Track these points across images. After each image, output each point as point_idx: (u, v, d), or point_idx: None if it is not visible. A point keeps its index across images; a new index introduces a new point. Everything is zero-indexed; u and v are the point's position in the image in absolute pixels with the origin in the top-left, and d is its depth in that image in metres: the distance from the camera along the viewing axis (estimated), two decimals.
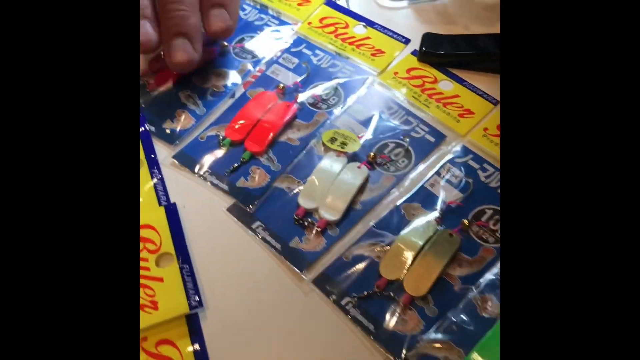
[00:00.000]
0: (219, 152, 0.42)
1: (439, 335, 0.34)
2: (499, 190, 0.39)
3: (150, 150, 0.41)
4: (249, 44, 0.48)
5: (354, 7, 0.51)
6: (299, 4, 0.50)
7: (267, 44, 0.48)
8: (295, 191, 0.40)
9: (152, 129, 0.43)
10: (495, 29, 0.49)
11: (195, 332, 0.34)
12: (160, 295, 0.35)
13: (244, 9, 0.50)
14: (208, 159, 0.41)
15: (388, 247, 0.37)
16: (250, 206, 0.39)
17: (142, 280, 0.35)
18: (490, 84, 0.45)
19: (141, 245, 0.37)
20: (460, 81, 0.45)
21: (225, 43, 0.47)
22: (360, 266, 0.36)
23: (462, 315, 0.34)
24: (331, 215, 0.38)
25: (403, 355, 0.33)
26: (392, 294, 0.35)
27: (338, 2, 0.51)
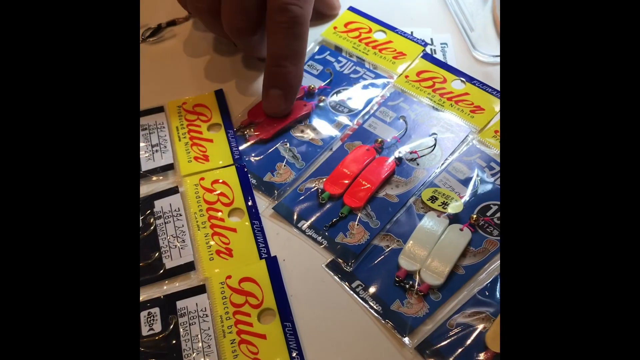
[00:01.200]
0: (318, 206, 0.42)
1: None
2: None
3: (252, 201, 0.42)
4: (345, 97, 0.48)
5: (450, 61, 0.51)
6: (394, 57, 0.51)
7: (363, 97, 0.48)
8: (391, 248, 0.39)
9: (254, 181, 0.43)
10: None
11: None
12: (264, 353, 0.34)
13: (340, 62, 0.51)
14: (307, 212, 0.42)
15: (493, 318, 0.36)
16: (350, 263, 0.39)
17: (245, 337, 0.35)
18: None
19: (243, 299, 0.37)
20: None
21: (323, 97, 0.48)
22: (465, 335, 0.35)
23: None
24: (434, 280, 0.37)
25: None
26: None
27: (435, 56, 0.51)
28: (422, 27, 0.53)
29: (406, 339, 0.35)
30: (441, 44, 0.52)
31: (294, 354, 0.34)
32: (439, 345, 0.35)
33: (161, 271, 0.39)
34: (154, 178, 0.44)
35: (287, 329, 0.35)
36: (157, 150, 0.45)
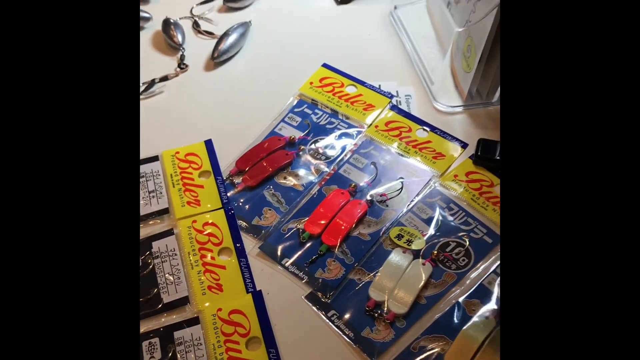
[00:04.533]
0: (299, 244, 0.47)
1: None
2: None
3: (239, 242, 0.47)
4: (322, 145, 0.54)
5: (414, 111, 0.57)
6: (364, 109, 0.57)
7: (338, 145, 0.54)
8: (363, 281, 0.45)
9: (243, 225, 0.49)
10: None
11: None
12: None
13: (316, 114, 0.57)
14: (289, 250, 0.47)
15: (451, 340, 0.41)
16: (328, 296, 0.44)
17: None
18: None
19: (232, 329, 0.42)
20: None
21: (302, 146, 0.54)
22: (427, 357, 0.41)
23: None
24: (399, 309, 0.43)
25: None
26: None
27: (400, 107, 0.57)
28: (389, 81, 0.60)
29: None
30: (406, 95, 0.58)
31: None
32: None
33: (160, 305, 0.44)
34: (151, 222, 0.49)
35: (272, 355, 0.41)
36: (153, 196, 0.50)
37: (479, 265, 0.45)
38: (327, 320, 0.43)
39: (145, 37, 0.66)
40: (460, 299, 0.43)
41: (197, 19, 0.67)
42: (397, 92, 0.59)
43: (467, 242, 0.47)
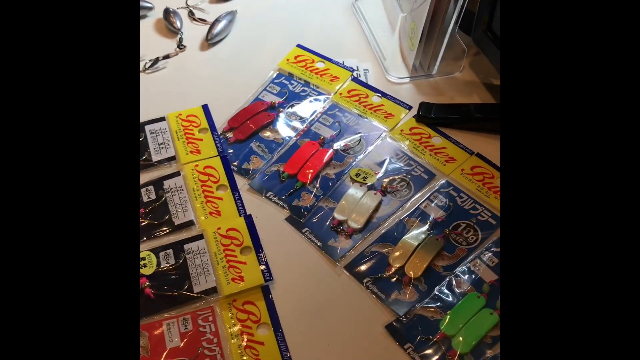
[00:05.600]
0: (280, 182, 0.61)
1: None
2: (471, 211, 0.57)
3: (232, 180, 0.60)
4: (297, 109, 0.68)
5: (371, 82, 0.71)
6: (331, 80, 0.71)
7: (310, 109, 0.68)
8: (329, 207, 0.58)
9: (235, 168, 0.62)
10: (473, 99, 0.68)
11: (268, 298, 0.52)
12: (246, 271, 0.53)
13: (292, 84, 0.70)
14: (272, 186, 0.60)
15: (394, 246, 0.55)
16: (302, 218, 0.58)
17: (231, 262, 0.53)
18: (468, 139, 0.64)
19: (229, 241, 0.55)
20: (447, 137, 0.64)
21: (281, 109, 0.67)
22: (376, 258, 0.54)
23: (443, 289, 0.52)
24: (356, 225, 0.57)
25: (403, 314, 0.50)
26: (397, 277, 0.53)
27: (360, 78, 0.71)
28: (350, 58, 0.73)
29: (337, 262, 0.54)
30: (364, 69, 0.72)
31: (264, 270, 0.53)
32: (359, 264, 0.54)
33: (172, 227, 0.57)
34: (162, 166, 0.62)
35: (260, 255, 0.54)
36: (162, 147, 0.63)
37: (417, 194, 0.59)
38: (302, 235, 0.57)
39: (149, 23, 0.78)
40: (402, 217, 0.57)
41: (191, 9, 0.80)
42: (357, 67, 0.72)
43: (409, 178, 0.61)
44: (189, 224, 0.57)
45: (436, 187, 0.60)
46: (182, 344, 0.49)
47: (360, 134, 0.65)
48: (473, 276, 0.53)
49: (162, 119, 0.66)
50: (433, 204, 0.58)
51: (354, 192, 0.59)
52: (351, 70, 0.71)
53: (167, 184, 0.60)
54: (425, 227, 0.56)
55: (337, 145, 0.64)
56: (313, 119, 0.67)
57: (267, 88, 0.70)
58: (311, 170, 0.61)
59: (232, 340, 0.49)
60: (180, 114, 0.67)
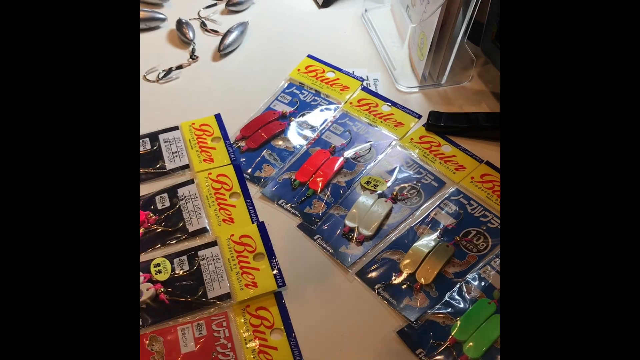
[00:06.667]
0: (291, 190, 0.62)
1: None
2: (481, 218, 0.58)
3: (245, 188, 0.61)
4: (308, 118, 0.69)
5: (381, 91, 0.72)
6: (341, 90, 0.72)
7: (320, 117, 0.69)
8: (340, 214, 0.59)
9: (247, 176, 0.63)
10: (482, 107, 0.69)
11: (281, 304, 0.52)
12: (259, 277, 0.54)
13: (303, 94, 0.71)
14: (283, 194, 0.61)
15: (405, 253, 0.56)
16: (313, 225, 0.59)
17: (244, 268, 0.54)
18: (478, 148, 0.65)
19: (242, 247, 0.56)
20: (456, 145, 0.65)
21: (292, 118, 0.68)
22: (387, 265, 0.55)
23: (454, 295, 0.52)
24: (367, 232, 0.57)
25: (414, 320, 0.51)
26: (408, 283, 0.54)
27: (370, 88, 0.72)
28: (360, 68, 0.74)
29: (349, 269, 0.55)
30: (374, 79, 0.73)
31: (277, 277, 0.53)
32: (370, 271, 0.55)
33: (187, 234, 0.58)
34: (176, 174, 0.63)
35: (273, 262, 0.55)
36: (176, 156, 0.65)
37: (427, 201, 0.60)
38: (313, 241, 0.57)
39: (162, 34, 0.80)
40: (413, 225, 0.58)
41: (204, 20, 0.82)
42: (367, 76, 0.74)
43: (419, 186, 0.61)
44: (203, 230, 0.58)
45: (446, 195, 0.60)
46: (196, 349, 0.49)
47: (370, 143, 0.66)
48: (483, 283, 0.53)
49: (176, 128, 0.68)
50: (443, 212, 0.59)
51: (365, 199, 0.60)
52: (361, 80, 0.72)
53: (181, 191, 0.61)
54: (436, 235, 0.57)
55: (348, 153, 0.65)
56: (324, 127, 0.68)
57: (279, 97, 0.71)
58: (322, 178, 0.62)
59: (246, 345, 0.50)
60: (193, 123, 0.68)
